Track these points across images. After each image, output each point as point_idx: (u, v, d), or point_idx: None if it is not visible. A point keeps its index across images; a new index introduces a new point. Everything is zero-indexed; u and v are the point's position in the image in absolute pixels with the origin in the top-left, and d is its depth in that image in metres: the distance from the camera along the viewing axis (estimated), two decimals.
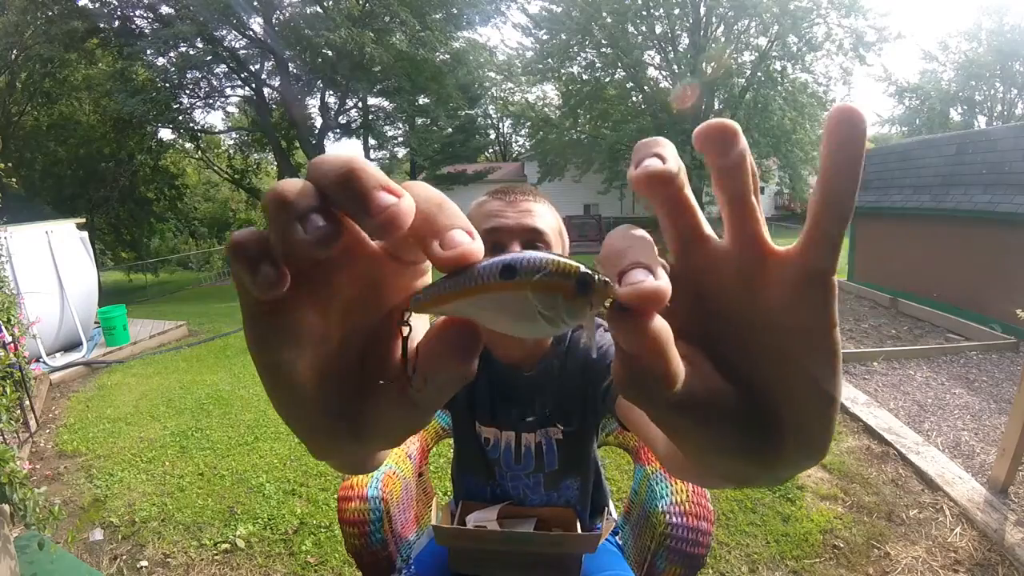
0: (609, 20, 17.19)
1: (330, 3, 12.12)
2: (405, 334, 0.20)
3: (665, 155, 0.19)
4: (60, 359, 4.46)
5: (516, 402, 0.86)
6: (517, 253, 0.18)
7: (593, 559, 0.91)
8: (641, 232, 0.19)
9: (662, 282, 0.17)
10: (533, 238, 0.76)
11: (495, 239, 0.75)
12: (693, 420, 0.20)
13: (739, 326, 0.21)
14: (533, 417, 0.86)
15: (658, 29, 18.41)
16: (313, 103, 14.60)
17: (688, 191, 0.20)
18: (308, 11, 11.95)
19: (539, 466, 0.88)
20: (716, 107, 18.60)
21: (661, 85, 19.09)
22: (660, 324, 0.17)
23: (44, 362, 4.24)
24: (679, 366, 0.18)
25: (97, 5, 12.51)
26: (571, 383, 0.84)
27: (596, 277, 0.17)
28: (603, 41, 17.68)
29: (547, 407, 0.85)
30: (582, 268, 0.17)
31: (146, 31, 12.40)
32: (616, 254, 0.18)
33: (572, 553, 0.83)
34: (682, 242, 0.21)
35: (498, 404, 0.86)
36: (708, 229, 0.21)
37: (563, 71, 19.42)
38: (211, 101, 14.84)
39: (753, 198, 0.20)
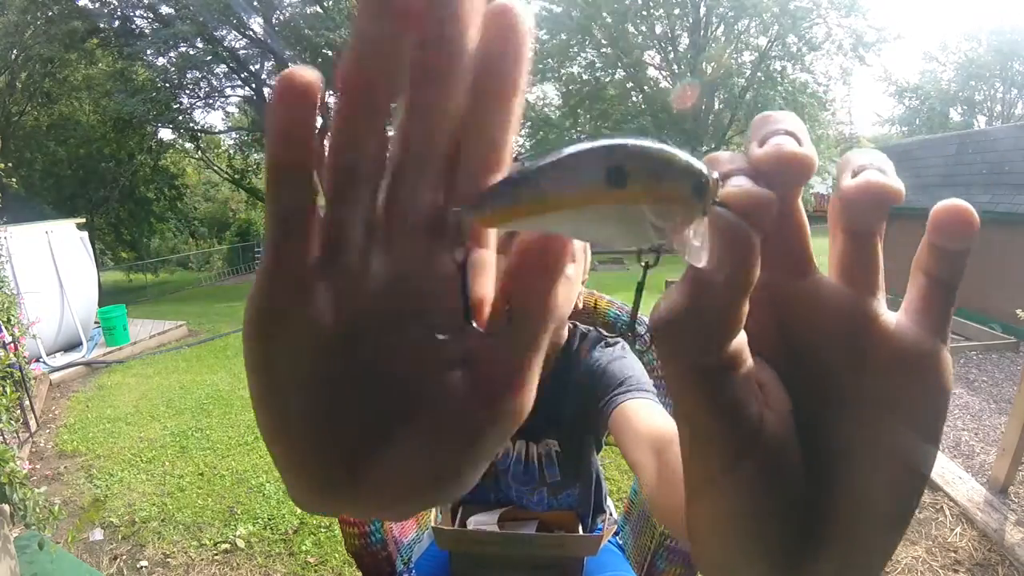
0: (609, 20, 17.20)
1: (330, 3, 12.12)
2: (459, 259, 0.15)
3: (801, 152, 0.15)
4: (60, 359, 4.45)
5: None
6: (615, 140, 0.13)
7: (595, 559, 0.91)
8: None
9: (768, 191, 0.14)
10: None
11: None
12: (740, 441, 0.15)
13: (819, 388, 0.17)
14: (539, 426, 0.85)
15: (658, 29, 18.42)
16: None
17: None
18: (308, 11, 11.96)
19: (542, 479, 0.87)
20: (716, 107, 18.61)
21: (661, 85, 19.10)
22: (755, 240, 0.13)
23: (44, 362, 4.24)
24: (743, 320, 0.14)
25: (97, 5, 12.52)
26: (572, 395, 0.83)
27: (709, 177, 0.13)
28: (603, 41, 17.70)
29: (548, 418, 0.84)
30: (695, 166, 0.13)
31: (146, 31, 12.40)
32: (713, 160, 0.15)
33: (574, 555, 0.83)
34: (789, 260, 0.17)
35: None
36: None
37: (563, 71, 19.44)
38: (211, 101, 14.84)
39: (879, 239, 0.16)
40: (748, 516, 0.16)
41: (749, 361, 0.15)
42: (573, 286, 0.74)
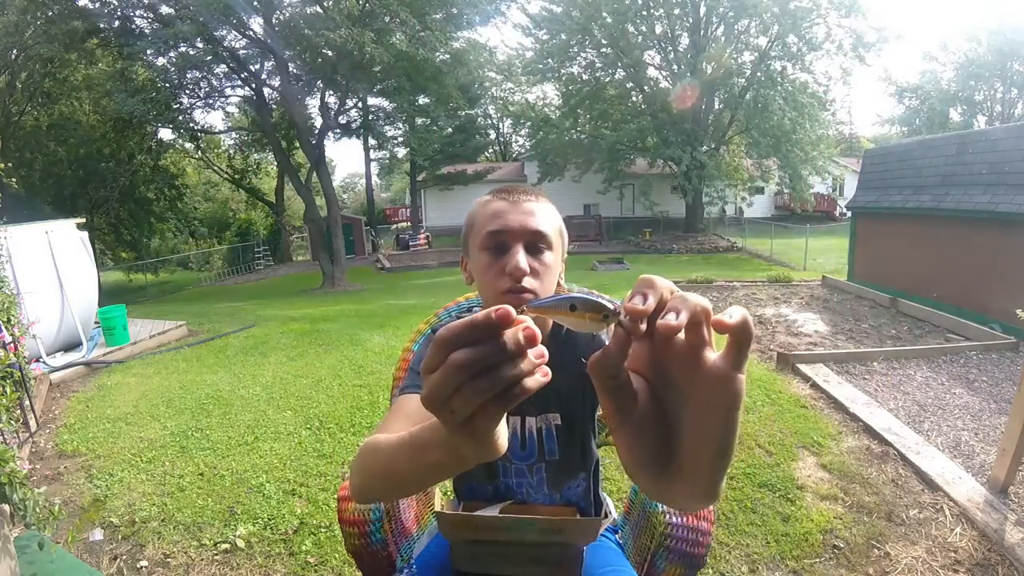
0: (609, 20, 17.16)
1: (330, 3, 12.09)
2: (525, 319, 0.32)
3: (681, 310, 0.32)
4: (60, 359, 4.46)
5: None
6: (577, 295, 0.35)
7: (594, 555, 0.91)
8: (646, 305, 0.32)
9: (641, 327, 0.32)
10: (536, 239, 0.79)
11: (500, 240, 0.79)
12: (627, 413, 0.35)
13: (677, 391, 0.34)
14: (534, 401, 0.87)
15: (658, 29, 18.39)
16: (313, 103, 14.57)
17: None
18: (308, 11, 11.92)
19: (541, 455, 0.89)
20: (716, 107, 18.59)
21: (661, 85, 19.07)
22: (627, 342, 0.33)
23: (44, 362, 4.24)
24: (623, 364, 0.33)
25: (97, 5, 12.47)
26: (570, 372, 0.85)
27: (614, 311, 0.33)
28: (603, 41, 17.66)
29: (547, 392, 0.85)
30: (608, 306, 0.33)
31: (146, 31, 12.35)
32: (627, 306, 0.32)
33: (574, 544, 0.83)
34: (662, 337, 0.32)
35: None
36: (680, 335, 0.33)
37: (563, 71, 19.41)
38: (211, 101, 14.79)
39: (705, 324, 0.32)
40: (633, 448, 0.36)
41: (628, 378, 0.34)
42: (553, 271, 0.80)
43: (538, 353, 0.32)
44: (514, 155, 30.03)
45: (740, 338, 0.31)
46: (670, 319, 0.30)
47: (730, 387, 0.31)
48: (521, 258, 0.76)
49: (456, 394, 0.31)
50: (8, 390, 2.27)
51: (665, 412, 0.35)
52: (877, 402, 3.21)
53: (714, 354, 0.32)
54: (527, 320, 0.31)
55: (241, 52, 12.84)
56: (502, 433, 0.36)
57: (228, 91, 14.47)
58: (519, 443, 0.88)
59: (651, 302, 0.31)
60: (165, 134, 17.75)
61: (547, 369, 0.32)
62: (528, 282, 0.76)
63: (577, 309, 0.33)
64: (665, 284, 0.33)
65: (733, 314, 0.31)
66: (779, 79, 16.57)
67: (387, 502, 1.00)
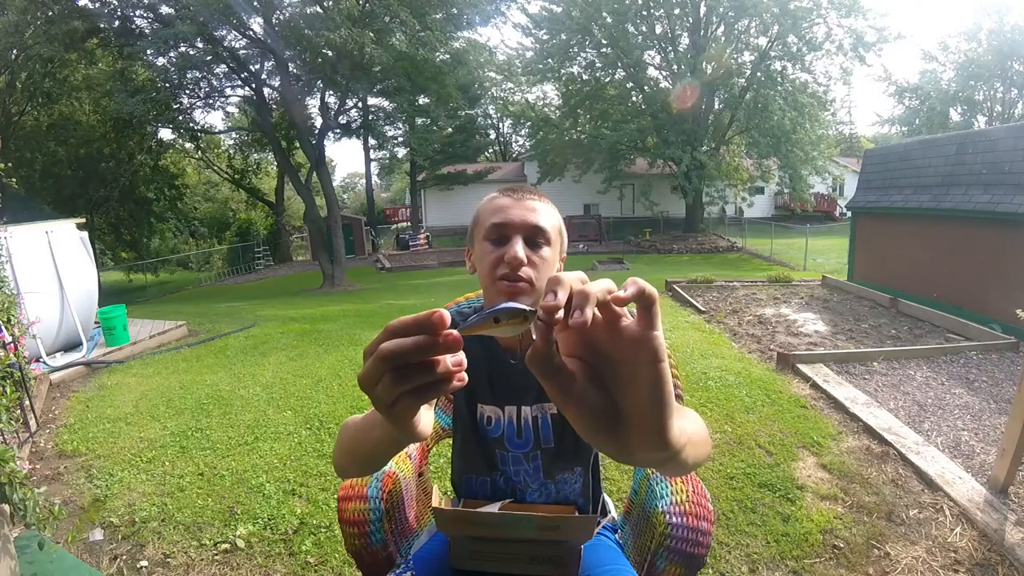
0: (609, 20, 17.16)
1: (330, 3, 12.09)
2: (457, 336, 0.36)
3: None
4: (60, 359, 4.45)
5: (513, 380, 0.90)
6: (498, 307, 0.36)
7: (593, 553, 0.92)
8: (556, 300, 0.33)
9: (558, 318, 0.33)
10: (535, 234, 0.82)
11: (501, 232, 0.83)
12: (569, 391, 0.36)
13: (607, 358, 0.37)
14: (531, 391, 0.90)
15: (658, 29, 18.39)
16: (313, 103, 14.58)
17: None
18: (308, 11, 11.92)
19: (536, 443, 0.90)
20: (716, 107, 18.59)
21: (661, 85, 19.07)
22: (550, 335, 0.34)
23: (44, 362, 4.24)
24: (554, 351, 0.35)
25: (97, 5, 12.47)
26: None
27: (531, 311, 0.35)
28: (603, 41, 17.66)
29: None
30: (527, 311, 0.35)
31: (146, 31, 12.36)
32: (542, 305, 0.34)
33: (571, 542, 0.83)
34: (581, 324, 0.35)
35: (497, 382, 0.91)
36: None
37: (563, 71, 19.41)
38: (211, 101, 14.80)
39: (614, 304, 0.35)
40: (583, 417, 0.37)
41: (562, 363, 0.36)
42: (550, 265, 0.84)
43: (456, 361, 0.36)
44: (514, 155, 30.04)
45: (643, 303, 0.35)
46: (576, 315, 0.33)
47: (648, 344, 0.35)
48: (519, 248, 0.79)
49: (381, 381, 0.35)
50: (8, 390, 2.26)
51: (602, 380, 0.38)
52: (877, 402, 3.21)
53: (629, 320, 0.36)
54: (454, 331, 0.35)
55: (241, 52, 12.84)
56: (423, 421, 0.41)
57: (228, 91, 14.49)
58: (515, 431, 0.91)
59: (561, 297, 0.34)
60: (165, 134, 17.79)
61: (464, 375, 0.37)
62: (525, 272, 0.79)
63: (501, 320, 0.36)
64: (573, 277, 0.36)
65: (628, 287, 0.35)
66: (779, 79, 16.56)
67: (357, 476, 1.01)
